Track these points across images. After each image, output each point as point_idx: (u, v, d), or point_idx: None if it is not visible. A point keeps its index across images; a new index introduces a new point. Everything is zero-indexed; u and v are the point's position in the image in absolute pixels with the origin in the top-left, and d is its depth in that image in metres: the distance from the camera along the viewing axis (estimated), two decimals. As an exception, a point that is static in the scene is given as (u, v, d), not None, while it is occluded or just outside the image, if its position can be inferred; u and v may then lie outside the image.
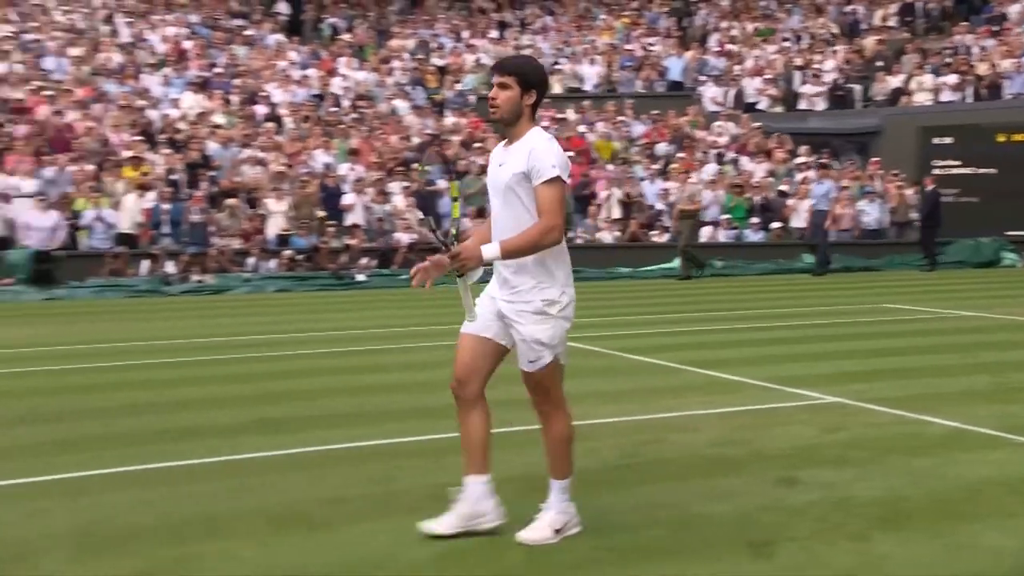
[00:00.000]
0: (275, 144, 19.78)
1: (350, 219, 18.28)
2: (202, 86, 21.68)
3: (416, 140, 21.32)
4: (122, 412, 6.69)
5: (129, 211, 17.26)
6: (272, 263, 17.52)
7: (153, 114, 20.18)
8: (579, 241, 20.39)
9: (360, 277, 17.43)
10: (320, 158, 19.68)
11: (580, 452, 5.51)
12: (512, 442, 5.32)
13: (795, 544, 4.02)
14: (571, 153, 21.64)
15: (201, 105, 20.79)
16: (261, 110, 21.38)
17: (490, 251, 3.75)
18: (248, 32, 25.44)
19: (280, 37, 25.69)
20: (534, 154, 3.79)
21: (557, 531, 3.98)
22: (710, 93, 25.49)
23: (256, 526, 4.26)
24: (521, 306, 3.85)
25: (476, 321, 3.93)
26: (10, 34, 21.60)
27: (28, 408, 6.82)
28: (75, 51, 21.60)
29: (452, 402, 6.78)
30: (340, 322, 12.04)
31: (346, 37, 26.41)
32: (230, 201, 17.77)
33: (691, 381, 7.87)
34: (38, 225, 16.36)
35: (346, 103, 22.76)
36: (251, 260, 17.42)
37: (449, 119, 22.85)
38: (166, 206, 17.46)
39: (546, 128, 20.62)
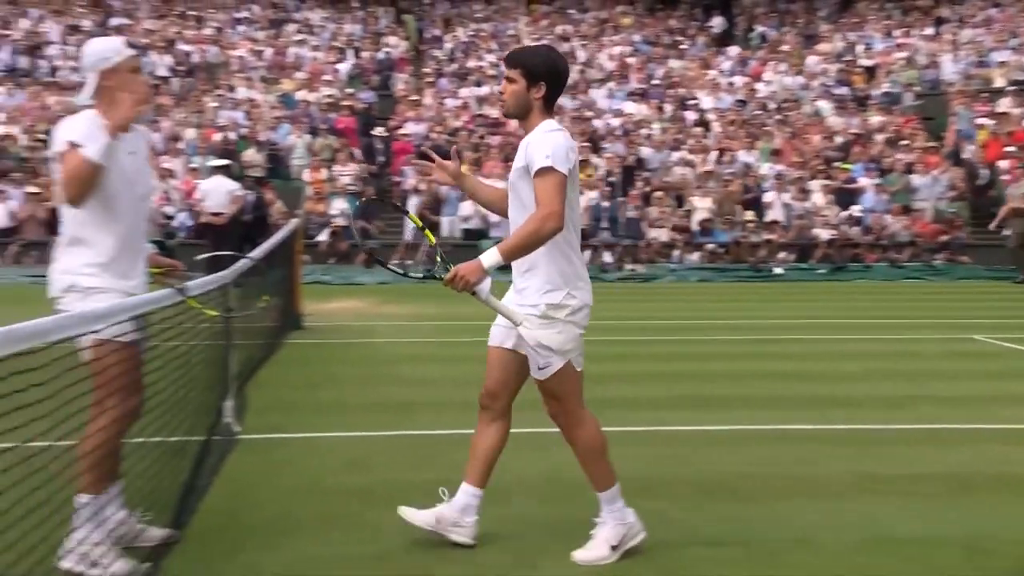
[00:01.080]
0: (702, 147, 19.88)
1: (770, 215, 17.85)
2: (641, 96, 22.44)
3: (839, 139, 20.19)
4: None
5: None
6: (695, 255, 17.66)
7: (597, 123, 21.29)
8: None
9: (778, 270, 16.93)
10: (743, 158, 19.41)
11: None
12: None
13: None
14: (1011, 148, 19.07)
15: (639, 113, 21.55)
16: (691, 116, 21.60)
17: (489, 258, 3.20)
18: (684, 46, 25.80)
19: (712, 49, 25.76)
20: (530, 147, 3.32)
21: (614, 547, 3.44)
22: None
23: (684, 492, 4.30)
24: (528, 309, 3.33)
25: (497, 331, 3.48)
26: (493, 61, 24.06)
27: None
28: (538, 72, 23.46)
29: (880, 394, 6.34)
30: (758, 311, 11.78)
31: (776, 45, 25.72)
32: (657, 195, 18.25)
33: None
34: (496, 219, 18.13)
35: (771, 106, 22.20)
36: (676, 252, 17.71)
37: (875, 118, 21.25)
38: (605, 203, 18.39)
39: (963, 135, 18.01)
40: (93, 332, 2.82)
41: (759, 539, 3.69)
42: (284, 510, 4.00)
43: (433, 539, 3.60)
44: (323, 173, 18.36)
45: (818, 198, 18.21)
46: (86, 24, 23.83)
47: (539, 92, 3.34)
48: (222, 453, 4.79)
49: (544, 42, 26.23)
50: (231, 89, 21.35)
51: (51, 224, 16.55)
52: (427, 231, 3.47)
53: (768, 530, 3.78)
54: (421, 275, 3.28)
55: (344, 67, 23.24)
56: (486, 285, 3.17)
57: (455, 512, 3.54)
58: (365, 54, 24.26)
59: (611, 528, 3.45)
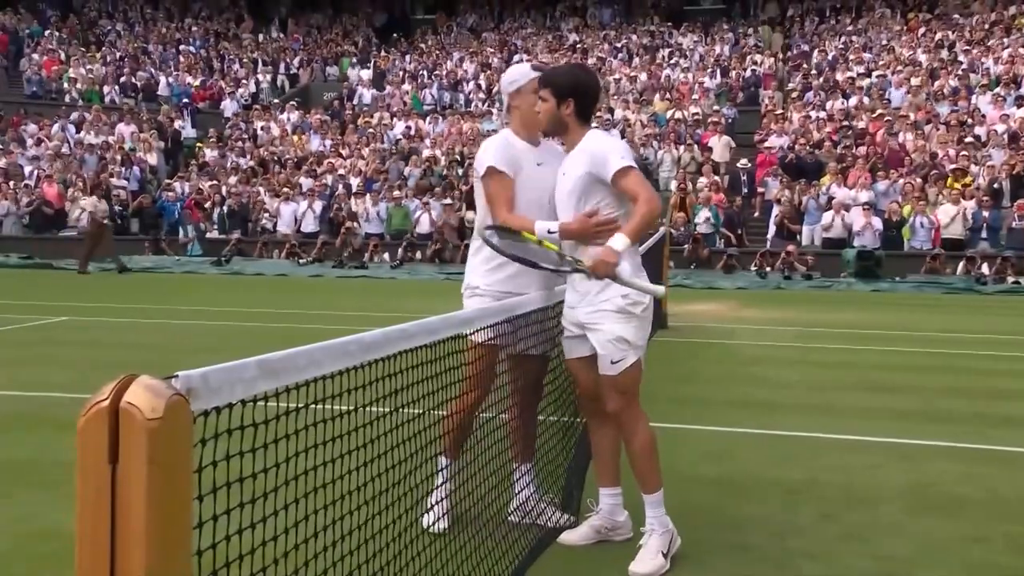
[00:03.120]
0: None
1: None
2: (1032, 100, 19.35)
3: None
4: (940, 393, 6.37)
5: (948, 217, 16.43)
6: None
7: (979, 131, 18.75)
8: None
9: None
10: None
11: None
12: None
13: None
14: None
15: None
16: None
17: (619, 242, 3.00)
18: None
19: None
20: (595, 153, 3.14)
21: (665, 554, 3.11)
22: None
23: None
24: (600, 306, 3.14)
25: (567, 344, 3.31)
26: (861, 73, 22.32)
27: (861, 378, 6.95)
28: (914, 81, 21.27)
29: None
30: None
31: None
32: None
33: None
34: (858, 229, 16.71)
35: None
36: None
37: None
38: (984, 213, 16.18)
39: None
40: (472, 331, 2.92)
41: None
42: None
43: (804, 533, 3.40)
44: (688, 185, 18.32)
45: None
46: (495, 62, 26.22)
47: (568, 108, 3.24)
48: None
49: (920, 50, 23.74)
50: (610, 111, 22.16)
51: (461, 231, 18.46)
52: (544, 243, 3.16)
53: None
54: (570, 268, 3.12)
55: (711, 85, 23.00)
56: (625, 267, 3.08)
57: (606, 518, 3.37)
58: (732, 73, 23.79)
59: (659, 536, 3.15)
